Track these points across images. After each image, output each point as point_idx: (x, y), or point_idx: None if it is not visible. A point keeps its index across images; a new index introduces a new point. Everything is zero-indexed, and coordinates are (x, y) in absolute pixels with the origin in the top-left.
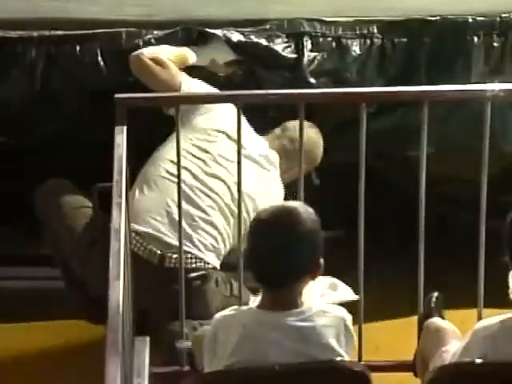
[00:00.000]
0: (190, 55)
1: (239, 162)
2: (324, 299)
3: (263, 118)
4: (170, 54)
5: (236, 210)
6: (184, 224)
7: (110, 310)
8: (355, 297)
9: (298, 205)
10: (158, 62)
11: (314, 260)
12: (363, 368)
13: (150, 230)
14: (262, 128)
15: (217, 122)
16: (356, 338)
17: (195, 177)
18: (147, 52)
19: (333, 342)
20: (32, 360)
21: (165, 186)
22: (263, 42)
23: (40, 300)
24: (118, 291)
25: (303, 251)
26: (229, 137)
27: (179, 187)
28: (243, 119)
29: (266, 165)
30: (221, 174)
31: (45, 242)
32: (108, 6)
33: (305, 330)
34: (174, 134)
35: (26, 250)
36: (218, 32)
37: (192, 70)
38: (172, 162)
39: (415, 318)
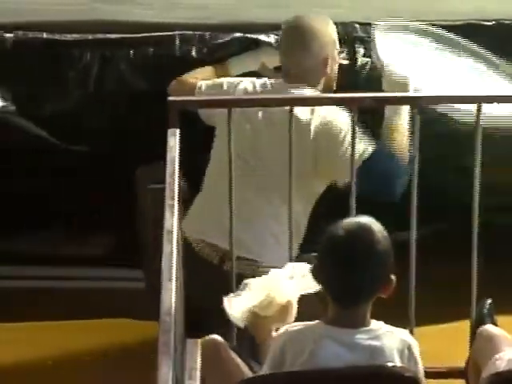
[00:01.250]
0: (226, 67)
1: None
2: (293, 282)
3: None
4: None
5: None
6: (240, 227)
7: (161, 311)
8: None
9: (371, 221)
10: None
11: (386, 277)
12: (414, 374)
13: (216, 242)
14: None
15: None
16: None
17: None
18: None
19: (399, 363)
20: (82, 358)
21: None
22: None
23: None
24: (171, 293)
25: (379, 270)
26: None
27: (230, 192)
28: None
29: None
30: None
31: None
32: (162, 10)
33: (374, 348)
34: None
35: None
36: (271, 39)
37: None
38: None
39: (467, 323)
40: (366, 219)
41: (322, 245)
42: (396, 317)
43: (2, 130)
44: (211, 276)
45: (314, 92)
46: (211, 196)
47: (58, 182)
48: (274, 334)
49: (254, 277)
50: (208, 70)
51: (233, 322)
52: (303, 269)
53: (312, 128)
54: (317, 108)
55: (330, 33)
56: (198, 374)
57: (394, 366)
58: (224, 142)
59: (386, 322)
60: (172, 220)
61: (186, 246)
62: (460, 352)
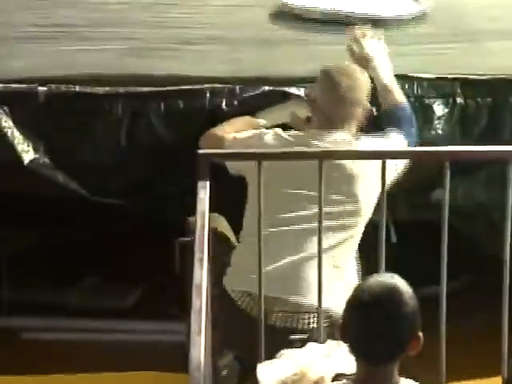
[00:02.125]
0: (256, 119)
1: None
2: (329, 360)
3: None
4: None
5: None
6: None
7: (190, 367)
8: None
9: (397, 281)
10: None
11: (414, 336)
12: None
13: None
14: None
15: None
16: None
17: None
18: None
19: None
20: None
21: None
22: None
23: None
24: (200, 348)
25: (406, 331)
26: None
27: (259, 243)
28: None
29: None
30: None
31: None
32: (192, 63)
33: None
34: None
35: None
36: (301, 92)
37: None
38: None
39: (499, 380)
40: (392, 279)
41: (348, 303)
42: (427, 372)
43: (33, 181)
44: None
45: (349, 136)
46: (251, 248)
47: (88, 234)
48: None
49: (303, 331)
50: (238, 121)
51: None
52: (344, 348)
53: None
54: None
55: (369, 85)
56: None
57: None
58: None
59: (417, 376)
60: (201, 273)
61: (231, 303)
62: None
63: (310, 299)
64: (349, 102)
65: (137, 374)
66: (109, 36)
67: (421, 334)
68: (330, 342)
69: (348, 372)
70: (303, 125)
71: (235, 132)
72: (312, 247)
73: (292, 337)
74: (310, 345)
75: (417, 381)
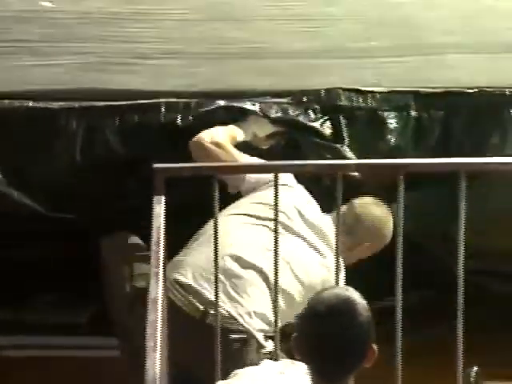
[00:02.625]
0: (239, 133)
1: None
2: (283, 378)
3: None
4: (226, 136)
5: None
6: (229, 284)
7: (146, 382)
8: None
9: (350, 294)
10: (218, 145)
11: (369, 347)
12: None
13: (192, 283)
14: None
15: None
16: None
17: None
18: (206, 136)
19: None
20: None
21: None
22: (301, 118)
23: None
24: (155, 363)
25: (361, 342)
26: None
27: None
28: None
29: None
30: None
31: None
32: (148, 77)
33: None
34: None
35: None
36: (256, 108)
37: None
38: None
39: None
40: (345, 291)
41: (301, 317)
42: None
43: None
44: (194, 333)
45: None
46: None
47: (45, 249)
48: None
49: (241, 331)
50: (221, 130)
51: None
52: (299, 367)
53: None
54: None
55: None
56: None
57: None
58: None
59: None
60: (157, 288)
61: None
62: None
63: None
64: None
65: None
66: (63, 51)
67: (375, 346)
68: (284, 360)
69: None
70: (263, 143)
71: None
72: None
73: (232, 336)
74: (265, 362)
75: None
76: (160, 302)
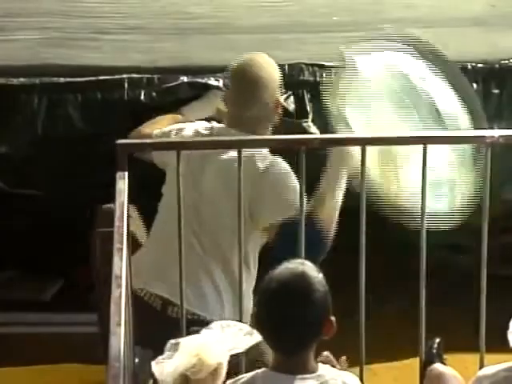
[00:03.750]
0: (180, 115)
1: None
2: (222, 343)
3: None
4: (151, 125)
5: None
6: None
7: (110, 357)
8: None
9: (306, 268)
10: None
11: (327, 320)
12: None
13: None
14: None
15: None
16: None
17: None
18: (133, 135)
19: None
20: None
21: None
22: None
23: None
24: (119, 338)
25: (318, 315)
26: None
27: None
28: None
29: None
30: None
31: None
32: (111, 53)
33: None
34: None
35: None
36: (219, 83)
37: None
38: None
39: (417, 361)
40: (301, 265)
41: (258, 294)
42: (347, 354)
43: None
44: (155, 322)
45: None
46: (156, 244)
47: (6, 225)
48: None
49: (196, 324)
50: (164, 119)
51: None
52: (232, 328)
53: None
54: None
55: (277, 78)
56: None
57: None
58: (172, 188)
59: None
60: (121, 264)
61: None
62: None
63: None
64: (256, 103)
65: (59, 366)
66: (24, 26)
67: (333, 317)
68: (217, 323)
69: (241, 350)
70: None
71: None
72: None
73: (194, 328)
74: (203, 332)
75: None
76: (124, 277)
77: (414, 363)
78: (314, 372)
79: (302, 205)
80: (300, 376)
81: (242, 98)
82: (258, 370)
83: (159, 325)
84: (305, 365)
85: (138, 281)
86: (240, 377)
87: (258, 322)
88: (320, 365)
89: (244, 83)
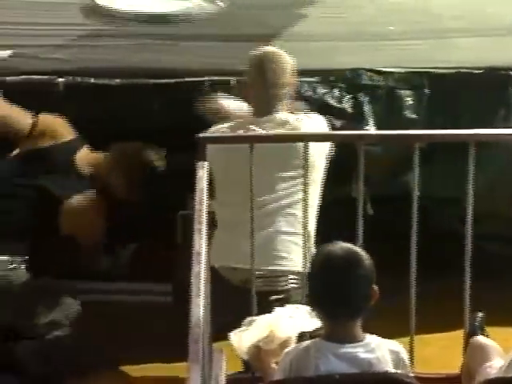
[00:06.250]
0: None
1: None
2: (293, 321)
3: None
4: None
5: None
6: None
7: (191, 324)
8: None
9: (351, 245)
10: None
11: (372, 289)
12: (413, 380)
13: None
14: None
15: None
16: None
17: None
18: None
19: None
20: None
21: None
22: (328, 95)
23: None
24: (199, 307)
25: (367, 284)
26: None
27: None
28: None
29: None
30: None
31: None
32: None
33: (371, 361)
34: None
35: None
36: None
37: None
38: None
39: (461, 332)
40: (345, 244)
41: (312, 267)
42: (398, 325)
43: None
44: (235, 298)
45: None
46: (226, 226)
47: None
48: (273, 366)
49: (280, 292)
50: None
51: (239, 354)
52: (303, 310)
53: None
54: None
55: (290, 63)
56: (223, 379)
57: (395, 373)
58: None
59: (386, 331)
60: (200, 242)
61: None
62: (456, 359)
63: (281, 265)
64: (279, 85)
65: None
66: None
67: (376, 287)
68: (289, 306)
69: (309, 330)
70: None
71: None
72: (278, 222)
73: (272, 298)
74: (276, 310)
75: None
76: (203, 254)
77: (460, 334)
78: (361, 341)
79: (359, 192)
80: (349, 345)
81: (267, 80)
82: (313, 340)
83: (240, 300)
84: (354, 334)
85: (214, 258)
86: (297, 345)
87: (312, 294)
88: (367, 334)
89: (270, 67)
